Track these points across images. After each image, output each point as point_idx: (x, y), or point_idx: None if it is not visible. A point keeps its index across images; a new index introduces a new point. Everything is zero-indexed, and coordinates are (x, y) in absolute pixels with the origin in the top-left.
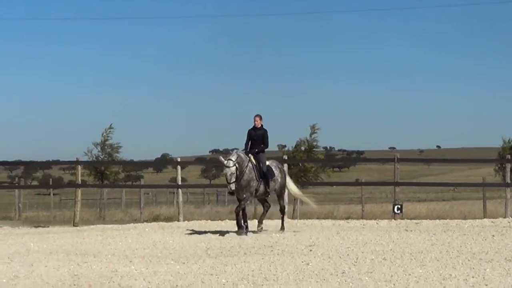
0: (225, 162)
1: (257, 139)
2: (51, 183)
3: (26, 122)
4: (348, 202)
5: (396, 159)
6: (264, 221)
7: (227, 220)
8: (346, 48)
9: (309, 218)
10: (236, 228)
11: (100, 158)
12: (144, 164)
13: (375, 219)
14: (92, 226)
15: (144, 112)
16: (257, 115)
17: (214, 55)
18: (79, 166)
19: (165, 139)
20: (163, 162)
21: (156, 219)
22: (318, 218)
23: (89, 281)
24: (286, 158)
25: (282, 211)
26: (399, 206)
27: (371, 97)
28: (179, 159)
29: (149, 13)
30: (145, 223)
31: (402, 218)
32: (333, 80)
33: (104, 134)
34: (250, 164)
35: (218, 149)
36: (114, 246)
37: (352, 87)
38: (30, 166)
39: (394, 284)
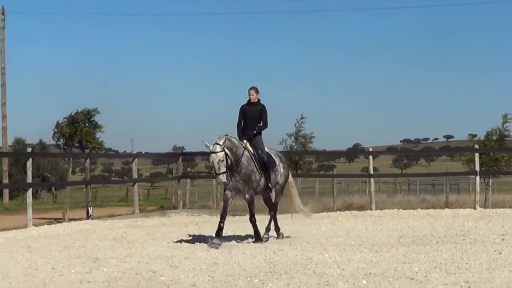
0: (211, 147)
1: (252, 116)
2: None
3: (224, 113)
4: None
5: None
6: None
7: (419, 209)
8: None
9: (502, 207)
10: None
11: (293, 148)
12: (336, 154)
13: None
14: (286, 214)
15: (336, 102)
16: (252, 88)
17: (403, 46)
18: None
19: (356, 129)
20: (355, 152)
21: (348, 208)
22: (510, 207)
23: (285, 268)
24: (477, 147)
25: (275, 207)
26: None
27: None
28: (370, 149)
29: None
30: (338, 211)
31: None
32: None
33: (297, 124)
34: (247, 153)
35: (409, 139)
36: (308, 234)
37: None
38: None
39: None
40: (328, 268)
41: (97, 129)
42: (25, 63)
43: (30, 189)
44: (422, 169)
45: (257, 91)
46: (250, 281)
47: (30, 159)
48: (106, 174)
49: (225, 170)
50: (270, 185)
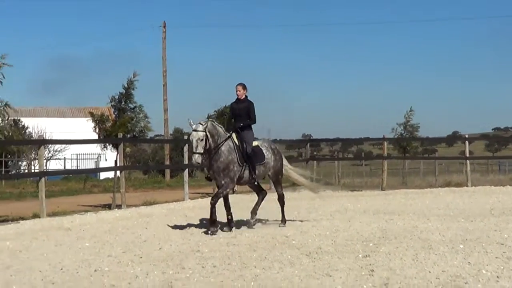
0: (193, 125)
1: (240, 113)
2: (363, 156)
3: (345, 106)
4: None
5: None
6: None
7: (508, 186)
8: None
9: None
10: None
11: (402, 136)
12: (438, 140)
13: None
14: (396, 190)
15: (439, 97)
16: (239, 84)
17: (495, 49)
18: (385, 142)
19: (455, 119)
20: (454, 138)
21: (448, 184)
22: None
23: (395, 234)
24: None
25: (281, 199)
26: None
27: None
28: (467, 136)
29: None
30: (439, 188)
31: None
32: None
33: (406, 116)
34: (230, 144)
35: (500, 127)
36: (414, 207)
37: None
38: (347, 142)
39: None
40: (431, 235)
41: None
42: (182, 65)
43: (187, 169)
44: (511, 153)
45: (244, 88)
46: (366, 245)
47: (187, 145)
48: None
49: (202, 151)
50: (254, 177)
